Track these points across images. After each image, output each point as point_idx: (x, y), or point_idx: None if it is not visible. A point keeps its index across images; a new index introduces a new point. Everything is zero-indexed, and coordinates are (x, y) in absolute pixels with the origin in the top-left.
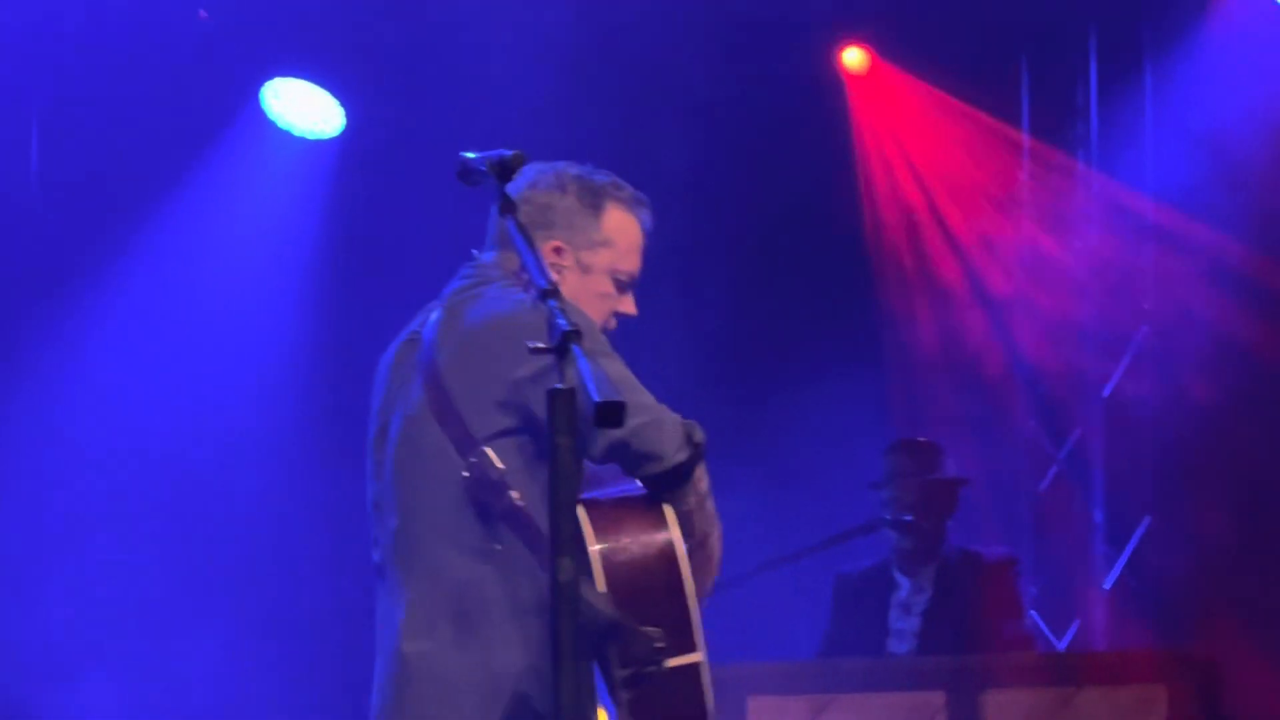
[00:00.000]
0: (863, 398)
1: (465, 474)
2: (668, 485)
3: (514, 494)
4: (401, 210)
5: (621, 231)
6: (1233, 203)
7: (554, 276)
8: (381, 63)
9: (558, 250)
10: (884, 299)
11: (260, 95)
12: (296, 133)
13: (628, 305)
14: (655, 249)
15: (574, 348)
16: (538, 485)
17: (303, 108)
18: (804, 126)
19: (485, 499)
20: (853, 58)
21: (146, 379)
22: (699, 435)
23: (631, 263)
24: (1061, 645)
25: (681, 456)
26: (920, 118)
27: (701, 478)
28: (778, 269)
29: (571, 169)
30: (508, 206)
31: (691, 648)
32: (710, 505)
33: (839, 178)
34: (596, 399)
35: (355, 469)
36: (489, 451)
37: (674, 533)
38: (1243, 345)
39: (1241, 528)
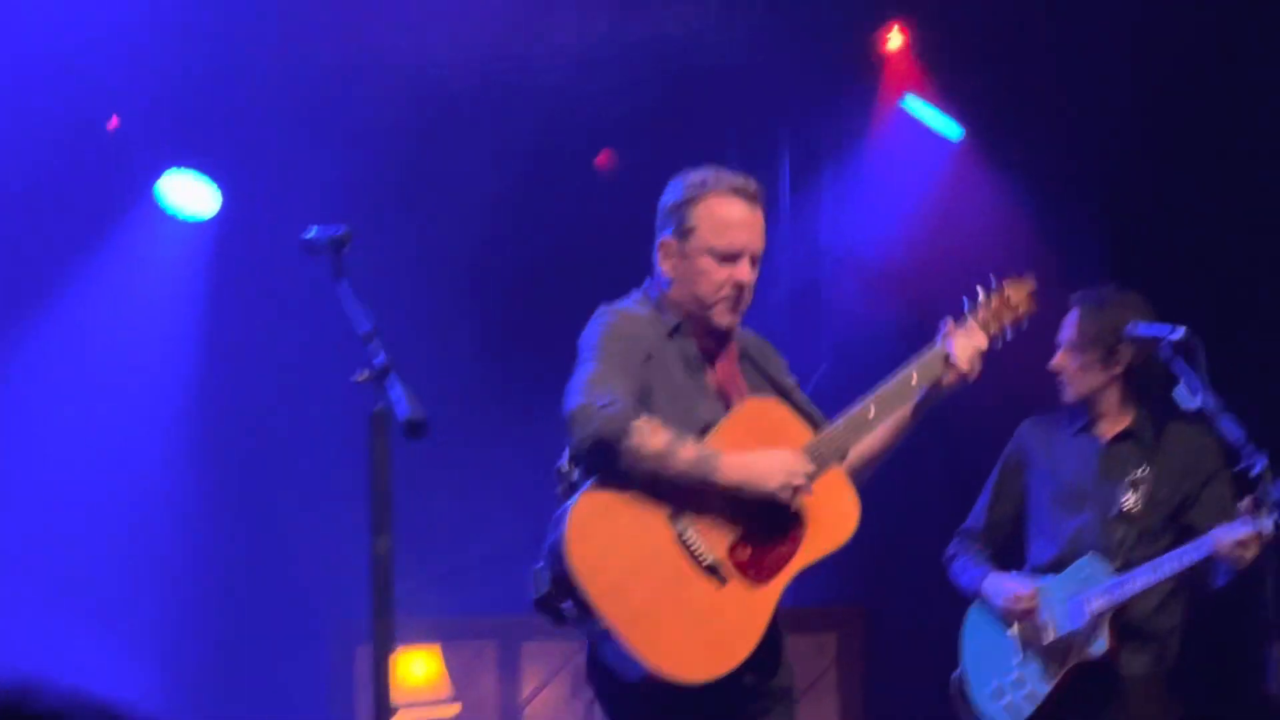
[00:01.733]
0: None
1: None
2: (588, 467)
3: None
4: (271, 276)
5: (707, 216)
6: (891, 260)
7: (662, 267)
8: (248, 150)
9: (662, 245)
10: None
11: (153, 185)
12: (181, 215)
13: (741, 273)
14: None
15: (389, 378)
16: None
17: (185, 193)
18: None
19: None
20: (608, 160)
21: (50, 435)
22: (601, 428)
23: (723, 239)
24: None
25: (584, 449)
26: None
27: (640, 454)
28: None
29: (686, 175)
30: (340, 272)
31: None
32: (672, 465)
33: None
34: (404, 417)
35: (238, 513)
36: None
37: (563, 530)
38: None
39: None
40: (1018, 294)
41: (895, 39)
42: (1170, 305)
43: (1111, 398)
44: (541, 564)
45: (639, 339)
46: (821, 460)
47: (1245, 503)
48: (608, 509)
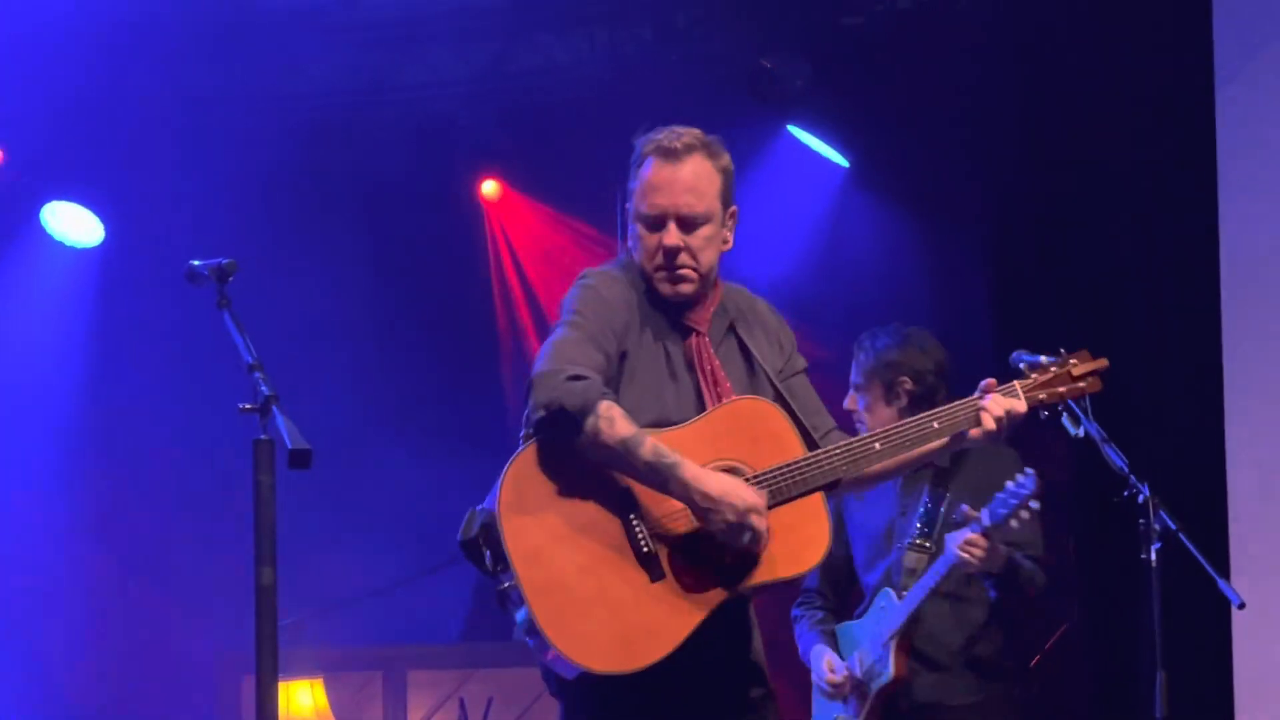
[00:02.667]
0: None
1: None
2: (539, 435)
3: None
4: (157, 305)
5: (637, 182)
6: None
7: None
8: (131, 182)
9: (627, 212)
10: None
11: (39, 215)
12: (67, 243)
13: (668, 238)
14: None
15: (273, 409)
16: None
17: (69, 223)
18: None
19: None
20: (489, 188)
21: None
22: (565, 399)
23: (644, 203)
24: None
25: (538, 414)
26: (538, 231)
27: (598, 440)
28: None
29: (652, 132)
30: (223, 303)
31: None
32: (627, 461)
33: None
34: (289, 447)
35: (122, 542)
36: None
37: (500, 478)
38: None
39: None
40: (1083, 369)
41: (779, 70)
42: (1052, 334)
43: None
44: (483, 505)
45: (617, 304)
46: (791, 490)
47: (966, 507)
48: (555, 466)
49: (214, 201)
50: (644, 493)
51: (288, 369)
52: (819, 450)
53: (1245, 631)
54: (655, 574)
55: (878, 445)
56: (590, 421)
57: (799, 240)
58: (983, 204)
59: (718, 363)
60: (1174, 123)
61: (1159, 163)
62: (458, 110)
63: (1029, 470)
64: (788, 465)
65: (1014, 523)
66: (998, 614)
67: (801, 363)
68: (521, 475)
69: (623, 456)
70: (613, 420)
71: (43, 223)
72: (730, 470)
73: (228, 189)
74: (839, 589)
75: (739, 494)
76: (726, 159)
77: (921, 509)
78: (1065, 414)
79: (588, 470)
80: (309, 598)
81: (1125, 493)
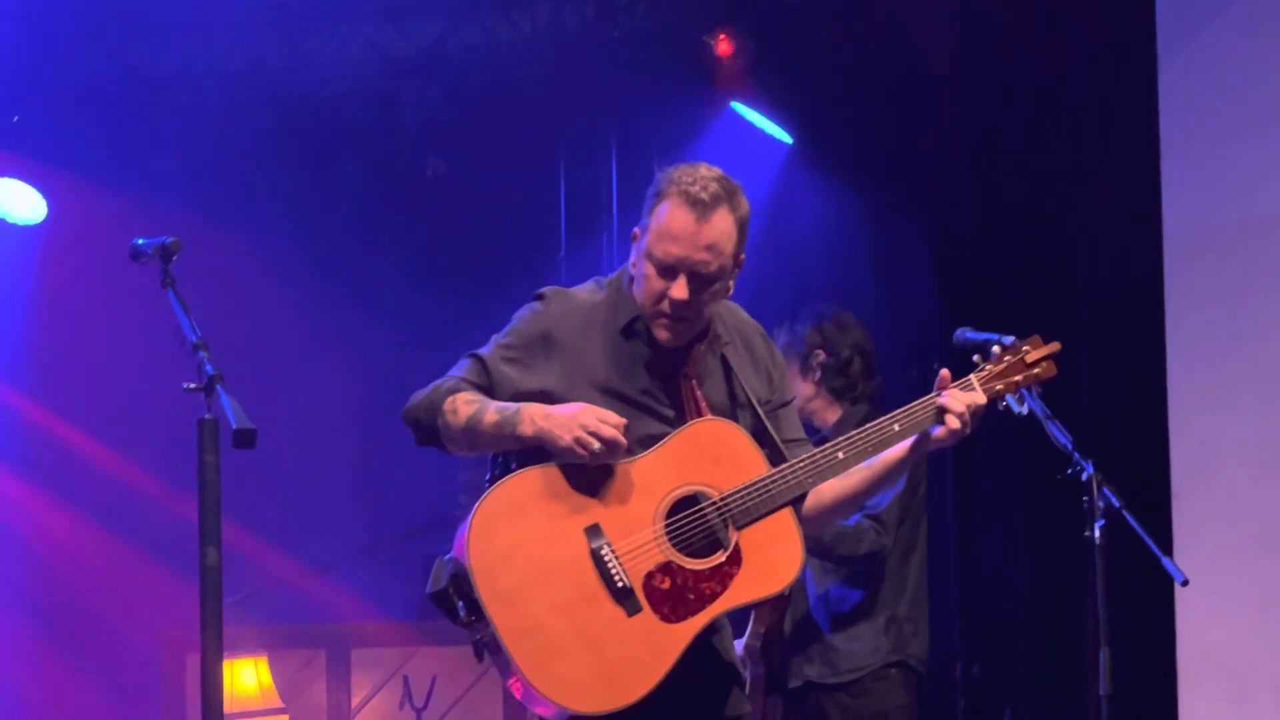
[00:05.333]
0: None
1: None
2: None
3: None
4: (97, 280)
5: (657, 218)
6: None
7: (631, 258)
8: (74, 160)
9: (634, 234)
10: None
11: None
12: (9, 220)
13: (676, 290)
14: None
15: (218, 388)
16: None
17: (12, 200)
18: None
19: None
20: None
21: None
22: (412, 408)
23: (659, 247)
24: None
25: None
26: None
27: (451, 433)
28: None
29: (677, 168)
30: (168, 282)
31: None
32: (482, 432)
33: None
34: (234, 426)
35: (66, 520)
36: None
37: (467, 524)
38: None
39: None
40: (1036, 355)
41: (724, 46)
42: (998, 312)
43: (821, 405)
44: (450, 554)
45: (551, 336)
46: (760, 509)
47: None
48: (520, 508)
49: (159, 180)
50: (613, 526)
51: (232, 348)
52: (783, 465)
53: (1188, 608)
54: (632, 608)
55: (840, 454)
56: (441, 422)
57: None
58: (928, 182)
59: (704, 404)
60: (1118, 99)
61: (1102, 140)
62: (400, 87)
63: None
64: (753, 484)
65: None
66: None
67: (790, 394)
68: (489, 519)
69: (476, 434)
70: (456, 409)
71: None
72: (696, 494)
73: (172, 167)
74: None
75: (568, 408)
76: (746, 207)
77: None
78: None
79: (554, 509)
80: (254, 576)
81: (1069, 470)
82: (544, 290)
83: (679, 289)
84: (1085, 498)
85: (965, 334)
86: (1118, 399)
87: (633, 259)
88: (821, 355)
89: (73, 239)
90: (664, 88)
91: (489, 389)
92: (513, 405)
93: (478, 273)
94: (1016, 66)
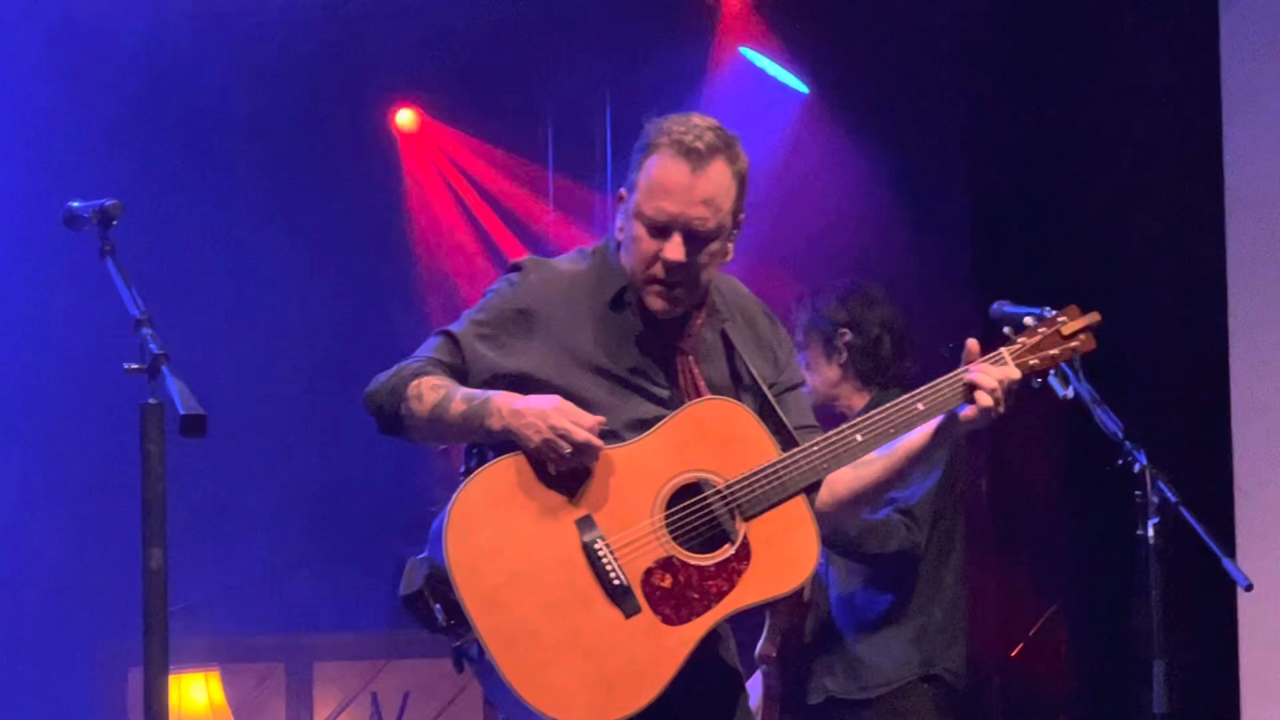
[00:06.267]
0: None
1: None
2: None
3: None
4: (29, 247)
5: (646, 174)
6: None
7: (617, 222)
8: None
9: (618, 196)
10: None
11: None
12: None
13: (671, 251)
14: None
15: (163, 369)
16: None
17: None
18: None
19: None
20: (404, 118)
21: None
22: (373, 393)
23: (650, 205)
24: None
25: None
26: (466, 166)
27: (414, 422)
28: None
29: (666, 118)
30: (107, 250)
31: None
32: (449, 424)
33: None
34: (181, 412)
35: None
36: None
37: (444, 518)
38: None
39: None
40: (1074, 327)
41: None
42: (1039, 281)
43: (848, 391)
44: (424, 554)
45: (529, 310)
46: (770, 497)
47: None
48: (504, 499)
49: (95, 137)
50: (607, 518)
51: (177, 324)
52: (795, 449)
53: (1252, 616)
54: (630, 608)
55: (859, 436)
56: (405, 409)
57: (752, 177)
58: (963, 136)
59: (703, 383)
60: (1174, 44)
61: (1157, 84)
62: (363, 31)
63: None
64: (762, 470)
65: None
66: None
67: (798, 377)
68: (467, 513)
69: (441, 425)
70: (421, 395)
71: None
72: (699, 482)
73: (110, 122)
74: None
75: (540, 402)
76: (745, 161)
77: None
78: (1052, 372)
79: (541, 500)
80: (203, 580)
81: (1120, 461)
82: (521, 260)
83: (673, 249)
84: (1138, 492)
85: (1003, 307)
86: (1174, 381)
87: (619, 223)
88: (848, 335)
89: (5, 205)
90: (666, 32)
91: (462, 370)
92: (481, 394)
93: (457, 240)
94: (1062, 7)
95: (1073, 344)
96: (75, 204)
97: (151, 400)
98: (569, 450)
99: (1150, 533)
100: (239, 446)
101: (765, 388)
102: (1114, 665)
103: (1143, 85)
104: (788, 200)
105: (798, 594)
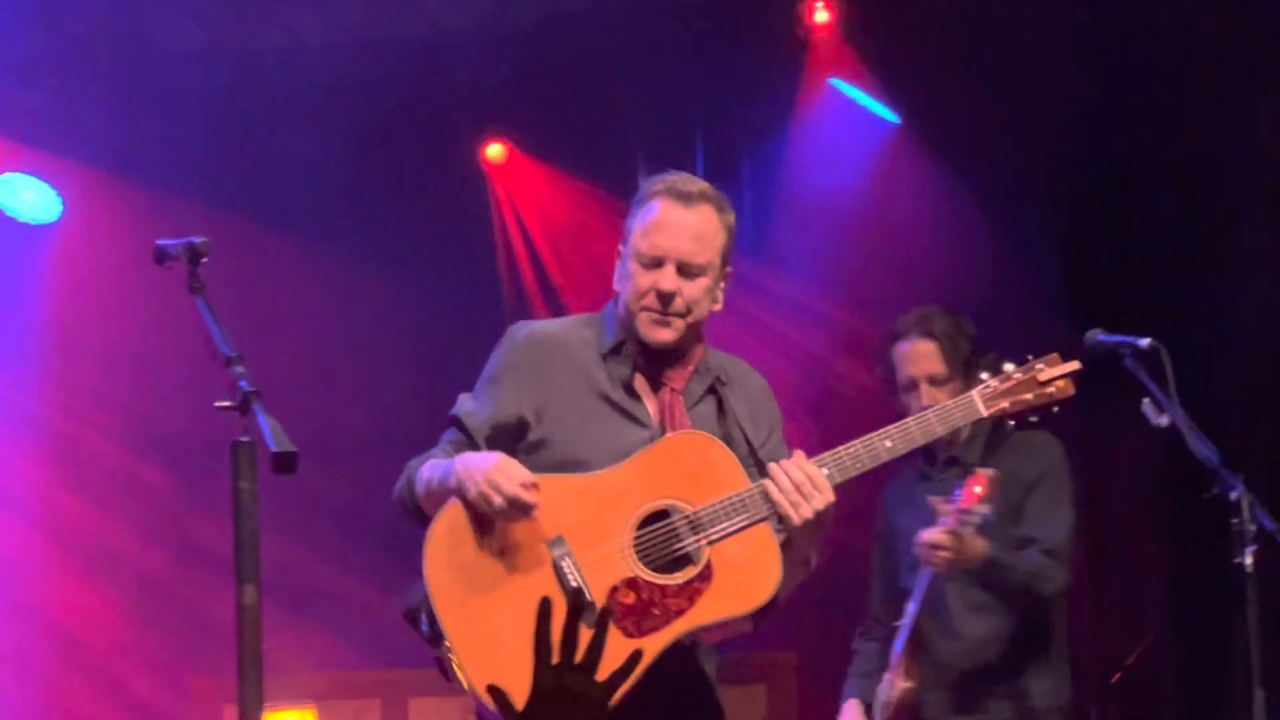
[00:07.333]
0: None
1: None
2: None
3: None
4: (119, 284)
5: (640, 219)
6: (824, 260)
7: (616, 275)
8: (92, 159)
9: (618, 254)
10: None
11: None
12: (21, 219)
13: (663, 280)
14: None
15: (255, 406)
16: None
17: (25, 197)
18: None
19: None
20: (494, 151)
21: None
22: (399, 490)
23: (645, 241)
24: None
25: None
26: (551, 200)
27: (422, 504)
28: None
29: (660, 175)
30: (196, 287)
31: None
32: (437, 492)
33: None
34: (272, 449)
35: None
36: None
37: (425, 537)
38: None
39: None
40: (1050, 374)
41: (822, 14)
42: (1134, 310)
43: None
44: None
45: (527, 369)
46: (733, 522)
47: (936, 501)
48: (483, 519)
49: (183, 172)
50: (578, 538)
51: (270, 362)
52: (761, 480)
53: None
54: (592, 621)
55: (826, 471)
56: (415, 498)
57: (843, 207)
58: (1050, 160)
59: (688, 420)
60: (1270, 60)
61: (1254, 109)
62: (456, 64)
63: (982, 471)
64: (728, 498)
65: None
66: (1034, 625)
67: (783, 451)
68: (449, 531)
69: (434, 498)
70: (420, 479)
71: None
72: (669, 508)
73: (198, 157)
74: (897, 605)
75: (483, 459)
76: (733, 217)
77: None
78: (1147, 400)
79: (516, 522)
80: (297, 616)
81: (1215, 489)
82: (515, 327)
83: (666, 278)
84: (1234, 520)
85: (1097, 336)
86: (1269, 407)
87: (618, 275)
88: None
89: (89, 239)
90: (755, 62)
91: (473, 443)
92: (448, 462)
93: (544, 273)
94: (1150, 30)
95: (1049, 390)
96: (164, 241)
97: (243, 438)
98: (499, 501)
99: (1248, 561)
100: (330, 481)
101: (754, 448)
102: (1214, 694)
103: (1238, 104)
104: (879, 228)
105: (755, 614)
